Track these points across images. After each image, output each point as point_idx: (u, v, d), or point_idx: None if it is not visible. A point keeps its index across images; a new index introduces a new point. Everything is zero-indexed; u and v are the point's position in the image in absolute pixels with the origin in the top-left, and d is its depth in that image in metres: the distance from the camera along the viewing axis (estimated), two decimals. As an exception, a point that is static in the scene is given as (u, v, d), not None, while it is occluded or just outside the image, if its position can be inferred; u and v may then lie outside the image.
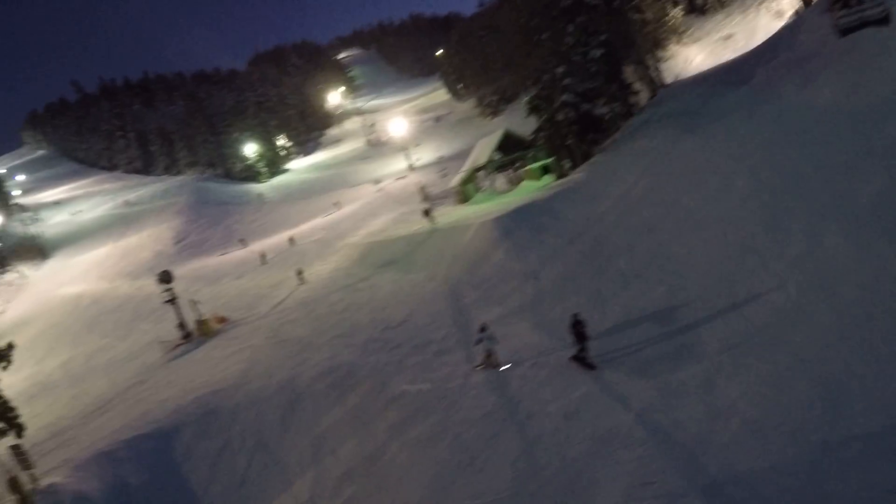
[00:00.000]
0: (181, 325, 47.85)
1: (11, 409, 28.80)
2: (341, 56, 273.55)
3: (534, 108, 50.07)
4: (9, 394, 29.63)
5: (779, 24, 55.80)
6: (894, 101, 28.28)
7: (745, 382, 17.87)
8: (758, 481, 14.75)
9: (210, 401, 31.34)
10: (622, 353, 21.99)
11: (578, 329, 22.21)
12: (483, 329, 25.13)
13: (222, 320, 48.58)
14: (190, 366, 40.17)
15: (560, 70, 45.19)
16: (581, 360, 22.23)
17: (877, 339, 16.84)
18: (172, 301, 48.73)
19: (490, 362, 24.84)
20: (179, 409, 31.31)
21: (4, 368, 30.45)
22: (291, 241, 71.69)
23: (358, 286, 44.40)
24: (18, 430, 28.37)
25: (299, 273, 53.01)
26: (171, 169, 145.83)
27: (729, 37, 77.99)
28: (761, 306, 20.60)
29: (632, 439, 17.80)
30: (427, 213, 53.06)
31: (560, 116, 46.40)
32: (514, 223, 37.49)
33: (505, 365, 24.49)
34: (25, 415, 35.07)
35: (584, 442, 18.63)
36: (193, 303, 49.15)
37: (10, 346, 31.00)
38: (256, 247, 77.98)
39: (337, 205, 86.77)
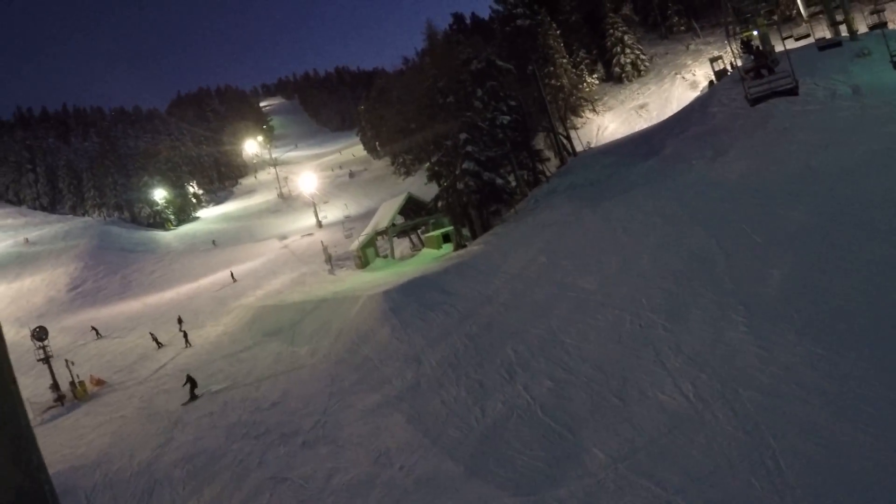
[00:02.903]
0: (54, 387, 44.06)
1: None
2: (263, 104, 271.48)
3: (434, 175, 48.20)
4: None
5: (693, 95, 55.63)
6: (802, 180, 27.47)
7: (630, 505, 15.37)
8: None
9: (68, 479, 28.51)
10: (496, 461, 19.35)
11: None
12: None
13: (99, 383, 45.26)
14: (57, 434, 36.80)
15: (463, 136, 43.34)
16: None
17: (782, 459, 14.56)
18: (47, 360, 45.26)
19: None
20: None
21: None
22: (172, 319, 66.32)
23: (241, 356, 41.43)
24: None
25: (185, 335, 50.01)
26: (77, 209, 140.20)
27: (643, 106, 78.22)
28: (654, 411, 18.26)
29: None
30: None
31: (460, 184, 44.46)
32: (404, 298, 35.23)
33: None
34: None
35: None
36: (69, 363, 45.71)
37: None
38: (153, 299, 74.48)
39: (232, 277, 74.64)
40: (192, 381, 35.72)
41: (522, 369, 24.14)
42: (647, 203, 33.09)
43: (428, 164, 50.97)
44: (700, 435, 16.58)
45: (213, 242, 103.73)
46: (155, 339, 51.59)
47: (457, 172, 44.84)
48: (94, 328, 61.71)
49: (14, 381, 2.69)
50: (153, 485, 26.80)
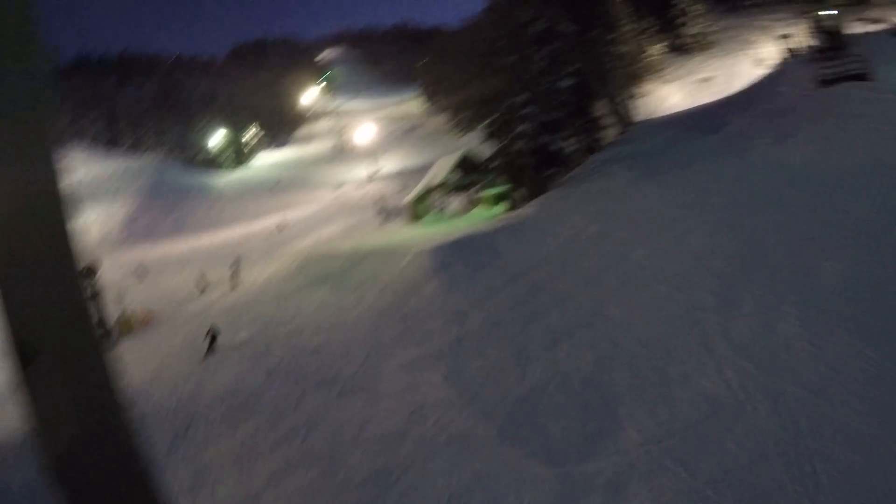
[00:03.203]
0: (101, 323, 44.57)
1: None
2: (325, 54, 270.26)
3: (491, 134, 47.72)
4: None
5: (760, 72, 54.22)
6: (871, 172, 26.49)
7: (658, 489, 15.08)
8: None
9: None
10: (530, 428, 19.20)
11: None
12: None
13: (147, 317, 45.94)
14: None
15: (522, 97, 42.73)
16: None
17: (818, 459, 14.16)
18: (93, 297, 45.70)
19: None
20: None
21: None
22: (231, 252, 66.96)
23: (286, 300, 41.74)
24: None
25: (234, 275, 50.57)
26: (136, 148, 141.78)
27: (708, 80, 76.54)
28: (694, 395, 17.85)
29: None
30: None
31: (517, 146, 43.96)
32: (453, 256, 35.10)
33: None
34: None
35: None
36: (117, 298, 46.41)
37: None
38: (205, 240, 75.51)
39: (280, 226, 75.35)
40: (213, 335, 35.65)
41: (566, 338, 23.83)
42: (707, 180, 32.32)
43: (485, 123, 50.40)
44: (738, 426, 16.12)
45: (272, 188, 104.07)
46: (202, 280, 52.13)
47: (514, 134, 44.35)
48: (142, 266, 62.63)
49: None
50: (190, 421, 27.25)
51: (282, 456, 22.81)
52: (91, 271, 46.86)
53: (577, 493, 15.90)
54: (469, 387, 22.94)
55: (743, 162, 32.97)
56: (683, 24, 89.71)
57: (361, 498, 18.58)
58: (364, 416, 23.43)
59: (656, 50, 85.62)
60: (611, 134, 48.13)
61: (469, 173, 62.61)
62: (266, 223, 77.88)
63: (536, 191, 43.78)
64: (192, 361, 34.46)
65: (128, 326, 44.69)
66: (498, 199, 53.90)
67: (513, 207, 46.86)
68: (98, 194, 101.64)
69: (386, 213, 64.22)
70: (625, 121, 48.40)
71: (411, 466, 19.21)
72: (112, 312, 45.52)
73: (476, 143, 70.12)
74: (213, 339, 35.48)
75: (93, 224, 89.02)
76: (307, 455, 22.09)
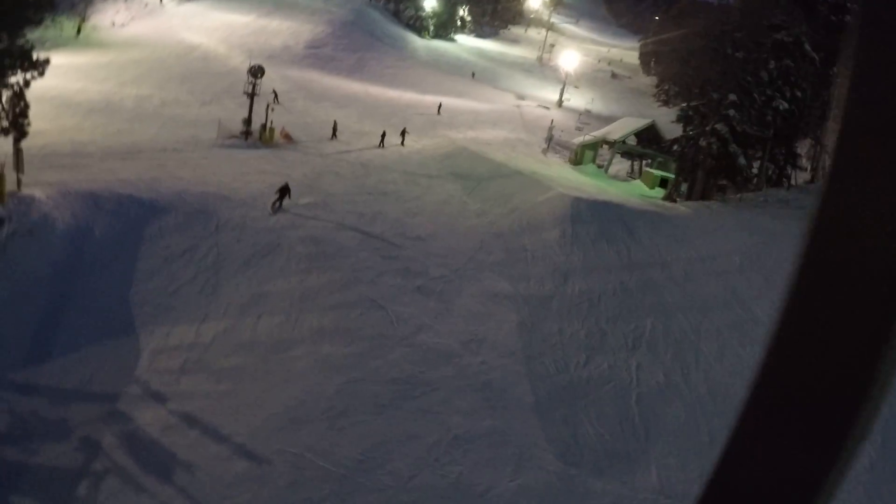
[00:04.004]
0: (246, 122, 45.64)
1: (25, 114, 27.81)
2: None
3: (685, 119, 45.23)
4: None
5: None
6: None
7: None
8: None
9: (209, 201, 30.29)
10: (564, 418, 18.14)
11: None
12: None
13: (287, 137, 46.52)
14: (225, 163, 38.30)
15: (731, 97, 40.01)
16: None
17: None
18: (252, 96, 46.28)
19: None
20: (183, 193, 30.41)
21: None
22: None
23: (420, 179, 41.48)
24: (20, 133, 27.54)
25: (382, 137, 50.11)
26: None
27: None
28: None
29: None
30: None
31: (704, 141, 41.44)
32: (590, 214, 33.74)
33: None
34: (70, 125, 39.95)
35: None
36: (270, 107, 46.96)
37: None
38: (374, 90, 75.78)
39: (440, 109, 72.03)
40: (284, 191, 32.52)
41: (647, 347, 22.55)
42: None
43: (684, 105, 47.92)
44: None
45: (473, 75, 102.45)
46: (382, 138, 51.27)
47: (707, 128, 41.75)
48: (306, 91, 62.79)
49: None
50: (273, 248, 28.03)
51: (327, 321, 23.22)
52: (259, 71, 47.29)
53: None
54: (533, 347, 22.58)
55: None
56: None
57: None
58: (425, 324, 23.29)
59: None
60: (801, 176, 45.20)
61: (647, 145, 59.89)
62: (438, 100, 76.79)
63: (700, 194, 41.56)
64: (307, 193, 34.29)
65: (269, 137, 45.17)
66: (661, 182, 51.53)
67: (670, 198, 44.84)
68: (297, 8, 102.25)
69: (552, 143, 62.51)
70: (821, 170, 45.17)
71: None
72: (261, 119, 46.00)
73: (668, 119, 67.31)
74: (283, 195, 32.58)
75: (282, 32, 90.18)
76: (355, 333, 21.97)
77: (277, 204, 31.82)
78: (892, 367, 1.05)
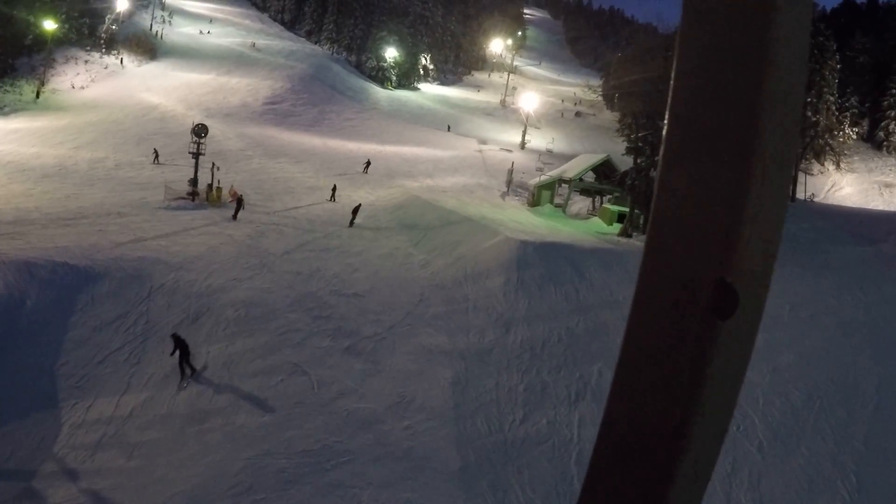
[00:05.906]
0: (192, 182, 44.86)
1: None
2: (526, 12, 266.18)
3: (635, 150, 44.72)
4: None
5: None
6: None
7: None
8: None
9: (144, 267, 29.39)
10: (491, 484, 16.87)
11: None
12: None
13: (236, 197, 45.08)
14: (166, 223, 37.58)
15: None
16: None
17: None
18: (196, 156, 45.40)
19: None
20: (119, 259, 29.72)
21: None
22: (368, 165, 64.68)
23: (365, 233, 40.34)
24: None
25: (333, 191, 49.36)
26: (312, 35, 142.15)
27: (890, 186, 70.78)
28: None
29: None
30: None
31: (653, 172, 40.81)
32: (537, 258, 32.37)
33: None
34: (19, 191, 40.46)
35: None
36: (215, 167, 46.01)
37: None
38: (334, 144, 75.58)
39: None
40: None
41: (593, 397, 21.31)
42: (835, 290, 29.71)
43: (632, 136, 47.34)
44: None
45: (449, 128, 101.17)
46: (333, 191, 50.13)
47: (656, 158, 40.82)
48: (260, 147, 61.74)
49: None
50: (203, 312, 26.90)
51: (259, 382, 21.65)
52: (202, 130, 46.33)
53: None
54: (466, 405, 21.05)
55: (883, 289, 30.11)
56: (890, 118, 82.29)
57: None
58: (350, 386, 21.91)
59: (850, 133, 79.29)
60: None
61: (603, 180, 59.05)
62: (398, 150, 76.17)
63: (659, 227, 40.68)
64: (246, 256, 33.25)
65: (215, 197, 44.14)
66: (618, 217, 50.13)
67: (625, 233, 43.79)
68: (258, 65, 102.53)
69: (512, 185, 61.61)
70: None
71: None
72: (208, 178, 45.05)
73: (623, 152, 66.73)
74: None
75: (240, 90, 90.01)
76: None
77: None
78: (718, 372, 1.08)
